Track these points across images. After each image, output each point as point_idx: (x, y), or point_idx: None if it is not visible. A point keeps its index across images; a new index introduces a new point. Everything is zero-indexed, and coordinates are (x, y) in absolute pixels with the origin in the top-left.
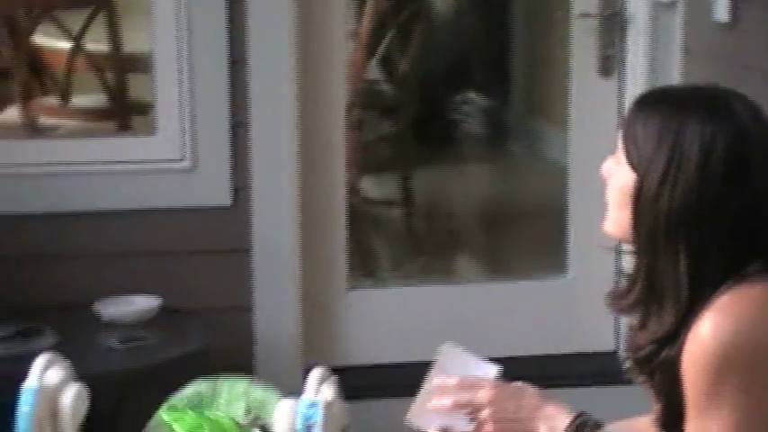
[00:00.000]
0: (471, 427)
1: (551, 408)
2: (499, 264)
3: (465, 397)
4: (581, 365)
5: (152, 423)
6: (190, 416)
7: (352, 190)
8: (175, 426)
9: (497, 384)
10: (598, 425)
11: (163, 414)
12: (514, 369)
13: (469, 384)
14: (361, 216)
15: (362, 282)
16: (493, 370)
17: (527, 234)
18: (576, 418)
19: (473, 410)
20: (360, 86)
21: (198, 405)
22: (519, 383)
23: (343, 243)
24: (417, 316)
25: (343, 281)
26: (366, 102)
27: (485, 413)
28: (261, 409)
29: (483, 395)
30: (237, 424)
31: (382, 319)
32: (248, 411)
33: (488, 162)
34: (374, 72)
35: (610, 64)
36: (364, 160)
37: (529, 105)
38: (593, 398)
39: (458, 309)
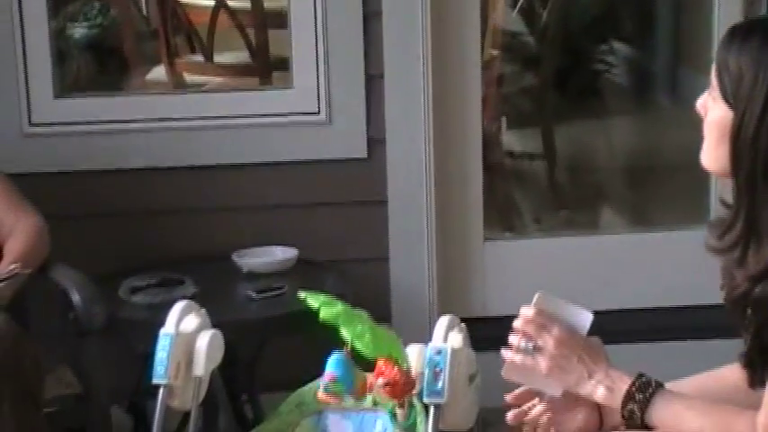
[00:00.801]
0: (560, 392)
1: (614, 371)
2: (642, 215)
3: (532, 328)
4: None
5: (282, 408)
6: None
7: (494, 143)
8: (310, 299)
9: (572, 331)
10: (660, 384)
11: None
12: (661, 319)
13: (543, 321)
14: (502, 170)
15: (500, 233)
16: (587, 317)
17: (671, 185)
18: (637, 378)
19: (538, 348)
20: (499, 39)
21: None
22: (596, 338)
23: (479, 194)
24: (556, 267)
25: (479, 232)
26: (507, 54)
27: (548, 347)
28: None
29: (554, 332)
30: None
31: (519, 270)
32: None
33: (632, 113)
34: (515, 24)
35: (755, 9)
36: (506, 113)
37: (674, 53)
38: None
39: (599, 260)
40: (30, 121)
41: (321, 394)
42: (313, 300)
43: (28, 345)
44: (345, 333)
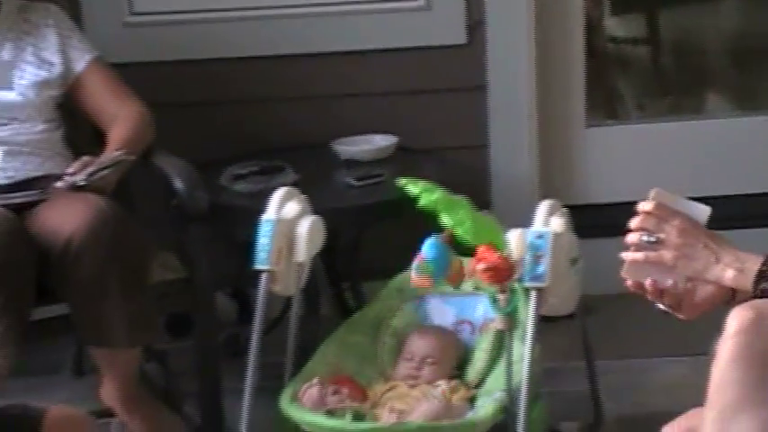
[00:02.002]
0: (684, 282)
1: (742, 253)
2: (748, 99)
3: (652, 222)
4: None
5: (382, 292)
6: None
7: (597, 28)
8: (409, 185)
9: (694, 222)
10: None
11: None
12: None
13: (662, 214)
14: (605, 55)
15: (602, 119)
16: (705, 210)
17: None
18: None
19: (660, 240)
20: None
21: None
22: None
23: (581, 79)
24: (660, 154)
25: (582, 118)
26: None
27: (671, 237)
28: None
29: (675, 222)
30: None
31: (622, 156)
32: (477, 287)
33: None
34: None
35: None
36: None
37: None
38: None
39: (704, 145)
40: (131, 11)
41: (413, 276)
42: (413, 186)
43: (134, 228)
44: (446, 219)
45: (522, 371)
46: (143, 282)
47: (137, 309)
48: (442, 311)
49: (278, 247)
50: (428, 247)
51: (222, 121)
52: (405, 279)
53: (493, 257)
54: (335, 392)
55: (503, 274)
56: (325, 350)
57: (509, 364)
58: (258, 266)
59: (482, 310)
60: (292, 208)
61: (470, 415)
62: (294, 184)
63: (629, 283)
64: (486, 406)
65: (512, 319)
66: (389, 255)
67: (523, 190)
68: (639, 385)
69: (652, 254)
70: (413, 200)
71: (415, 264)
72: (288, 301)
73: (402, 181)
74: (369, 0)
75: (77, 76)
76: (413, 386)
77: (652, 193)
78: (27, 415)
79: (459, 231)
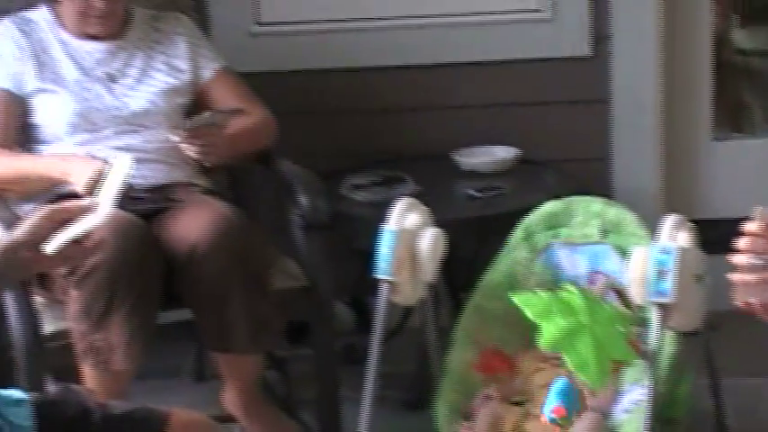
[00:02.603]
0: None
1: None
2: None
3: (762, 243)
4: None
5: (510, 243)
6: (540, 298)
7: (725, 41)
8: (527, 310)
9: None
10: None
11: (515, 296)
12: None
13: None
14: (732, 67)
15: (729, 133)
16: None
17: None
18: None
19: None
20: None
21: (552, 225)
22: None
23: (708, 93)
24: None
25: (708, 131)
26: None
27: None
28: (615, 230)
29: None
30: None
31: (749, 170)
32: (603, 232)
33: None
34: None
35: None
36: (739, 10)
37: None
38: None
39: None
40: (257, 21)
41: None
42: (531, 312)
43: (257, 236)
44: (569, 360)
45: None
46: (265, 288)
47: (259, 315)
48: (573, 262)
49: (399, 258)
50: (562, 396)
51: (344, 130)
52: (530, 223)
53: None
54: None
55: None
56: (466, 323)
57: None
58: (379, 276)
59: (615, 261)
60: (414, 219)
61: None
62: (414, 195)
63: (739, 303)
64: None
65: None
66: None
67: (647, 204)
68: (765, 404)
69: (762, 275)
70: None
71: (552, 415)
72: (406, 311)
73: (516, 300)
74: (493, 11)
75: (205, 83)
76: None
77: (758, 213)
78: (152, 417)
79: (581, 375)
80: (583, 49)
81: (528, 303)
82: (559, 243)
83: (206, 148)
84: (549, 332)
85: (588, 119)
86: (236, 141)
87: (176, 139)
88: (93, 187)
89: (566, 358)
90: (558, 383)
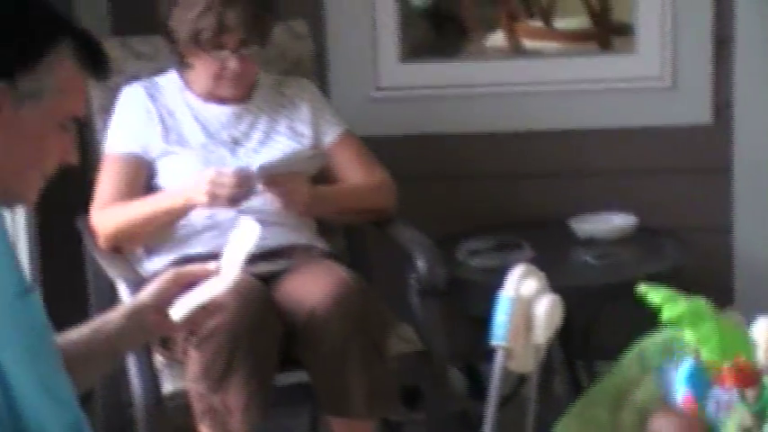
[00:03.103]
0: None
1: None
2: None
3: None
4: None
5: (623, 361)
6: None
7: None
8: (652, 295)
9: None
10: None
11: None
12: None
13: None
14: None
15: None
16: None
17: None
18: None
19: None
20: None
21: (668, 351)
22: None
23: None
24: None
25: None
26: None
27: None
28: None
29: None
30: None
31: None
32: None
33: None
34: None
35: None
36: None
37: None
38: None
39: None
40: (377, 85)
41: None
42: (655, 296)
43: (375, 300)
44: (690, 336)
45: None
46: (383, 353)
47: (376, 380)
48: None
49: (515, 325)
50: (690, 381)
51: (462, 194)
52: (646, 346)
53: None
54: None
55: (749, 379)
56: (564, 428)
57: None
58: (495, 343)
59: None
60: (531, 285)
61: None
62: (531, 261)
63: None
64: None
65: (761, 416)
66: (625, 335)
67: None
68: None
69: None
70: (653, 282)
71: (682, 406)
72: (521, 378)
73: (643, 288)
74: (611, 78)
75: (327, 147)
76: None
77: None
78: None
79: (704, 350)
80: (704, 116)
81: (656, 294)
82: (675, 367)
83: (287, 195)
84: (672, 309)
85: (709, 187)
86: (350, 199)
87: (260, 188)
88: (216, 196)
89: (686, 334)
90: (685, 367)
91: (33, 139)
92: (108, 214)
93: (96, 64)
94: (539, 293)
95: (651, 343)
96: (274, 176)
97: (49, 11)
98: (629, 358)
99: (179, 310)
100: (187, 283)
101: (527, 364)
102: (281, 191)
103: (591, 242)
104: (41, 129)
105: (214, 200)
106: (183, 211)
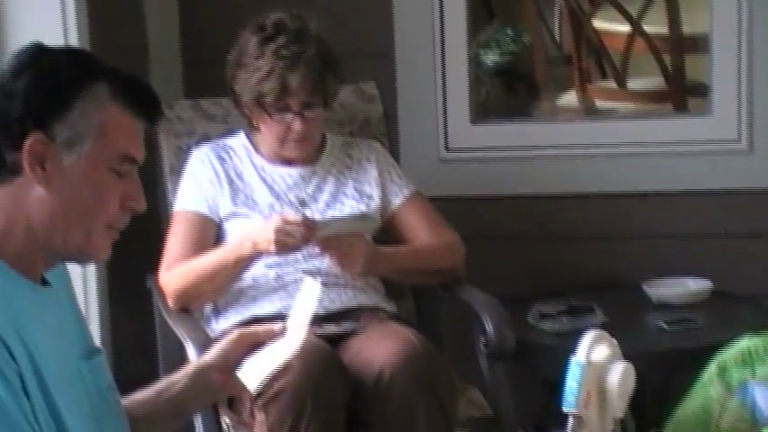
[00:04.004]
0: None
1: None
2: None
3: None
4: None
5: (704, 378)
6: None
7: None
8: None
9: None
10: None
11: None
12: None
13: None
14: None
15: None
16: None
17: None
18: None
19: None
20: None
21: (748, 362)
22: None
23: None
24: None
25: None
26: None
27: None
28: None
29: None
30: None
31: None
32: None
33: None
34: None
35: None
36: None
37: None
38: None
39: None
40: (446, 146)
41: None
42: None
43: (443, 363)
44: None
45: None
46: (450, 416)
47: None
48: None
49: (587, 391)
50: None
51: (531, 257)
52: (725, 359)
53: None
54: None
55: None
56: None
57: None
58: (566, 409)
59: None
60: (603, 351)
61: None
62: (602, 326)
63: None
64: None
65: None
66: None
67: None
68: None
69: None
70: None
71: None
72: None
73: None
74: (686, 141)
75: (395, 209)
76: None
77: None
78: None
79: None
80: None
81: None
82: (756, 382)
83: (343, 258)
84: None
85: None
86: (417, 260)
87: (317, 250)
88: (283, 243)
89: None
90: None
91: (86, 187)
92: (175, 272)
93: (143, 104)
94: (611, 360)
95: (729, 357)
96: (330, 237)
97: (80, 58)
98: (709, 376)
99: (248, 373)
100: (253, 345)
101: (599, 431)
102: (336, 252)
103: (664, 307)
104: (92, 176)
105: (281, 247)
106: (250, 259)
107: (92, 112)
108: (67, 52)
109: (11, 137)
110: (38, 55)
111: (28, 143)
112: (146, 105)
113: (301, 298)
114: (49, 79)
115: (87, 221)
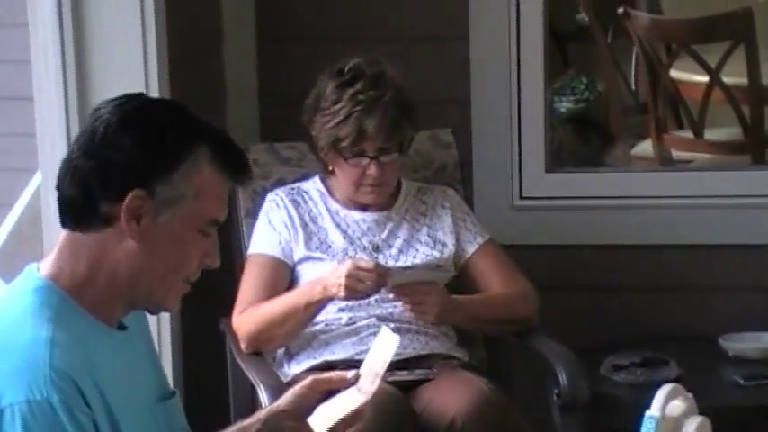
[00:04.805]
0: None
1: None
2: None
3: None
4: None
5: None
6: None
7: None
8: None
9: None
10: None
11: None
12: None
13: None
14: None
15: None
16: None
17: None
18: None
19: None
20: None
21: None
22: None
23: None
24: None
25: None
26: None
27: None
28: None
29: None
30: None
31: None
32: None
33: None
34: None
35: None
36: None
37: None
38: None
39: None
40: (521, 194)
41: None
42: None
43: (515, 413)
44: None
45: None
46: None
47: None
48: None
49: None
50: None
51: (605, 308)
52: None
53: None
54: None
55: None
56: None
57: None
58: None
59: None
60: (678, 406)
61: None
62: (677, 379)
63: None
64: None
65: None
66: None
67: None
68: None
69: None
70: None
71: None
72: None
73: None
74: (765, 194)
75: (469, 257)
76: None
77: None
78: None
79: None
80: None
81: None
82: None
83: (417, 306)
84: None
85: None
86: (490, 308)
87: (391, 296)
88: (353, 289)
89: None
90: None
91: (174, 245)
92: (248, 315)
93: (236, 168)
94: (686, 414)
95: None
96: (404, 285)
97: (186, 117)
98: None
99: (319, 420)
100: (325, 391)
101: None
102: (410, 300)
103: (740, 361)
104: (182, 236)
105: (351, 293)
106: (320, 303)
107: (193, 175)
108: (173, 109)
109: (111, 189)
110: (144, 108)
111: (128, 198)
112: (238, 169)
113: (377, 346)
114: (157, 140)
115: (171, 278)
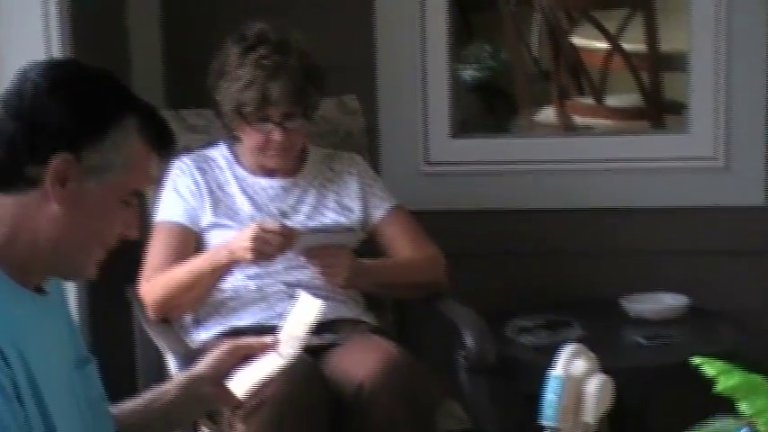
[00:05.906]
0: None
1: None
2: None
3: None
4: None
5: None
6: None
7: None
8: (707, 368)
9: None
10: None
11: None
12: None
13: None
14: None
15: None
16: None
17: None
18: None
19: None
20: None
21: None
22: None
23: None
24: None
25: None
26: None
27: None
28: None
29: None
30: None
31: None
32: None
33: None
34: None
35: None
36: None
37: None
38: None
39: None
40: (427, 160)
41: None
42: (709, 368)
43: (423, 375)
44: (744, 408)
45: None
46: (430, 429)
47: None
48: None
49: (565, 405)
50: None
51: (512, 272)
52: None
53: None
54: None
55: None
56: None
57: None
58: (544, 423)
59: None
60: (581, 365)
61: None
62: (580, 340)
63: None
64: None
65: None
66: (678, 420)
67: None
68: None
69: None
70: (709, 381)
71: None
72: None
73: (697, 360)
74: (663, 158)
75: (377, 223)
76: None
77: None
78: None
79: (760, 424)
80: (758, 198)
81: (710, 366)
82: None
83: (327, 268)
84: (727, 381)
85: (761, 269)
86: (398, 273)
87: (301, 260)
88: (260, 251)
89: (741, 405)
90: None
91: (97, 213)
92: (155, 283)
93: (162, 141)
94: (589, 374)
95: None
96: (314, 249)
97: (117, 86)
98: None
99: (239, 384)
100: (243, 356)
101: None
102: (320, 263)
103: (642, 322)
104: (106, 204)
105: (258, 255)
106: (227, 267)
107: (122, 144)
108: (104, 78)
109: (38, 151)
110: (76, 74)
111: (55, 161)
112: (165, 141)
113: (296, 311)
114: (88, 106)
115: (91, 246)
